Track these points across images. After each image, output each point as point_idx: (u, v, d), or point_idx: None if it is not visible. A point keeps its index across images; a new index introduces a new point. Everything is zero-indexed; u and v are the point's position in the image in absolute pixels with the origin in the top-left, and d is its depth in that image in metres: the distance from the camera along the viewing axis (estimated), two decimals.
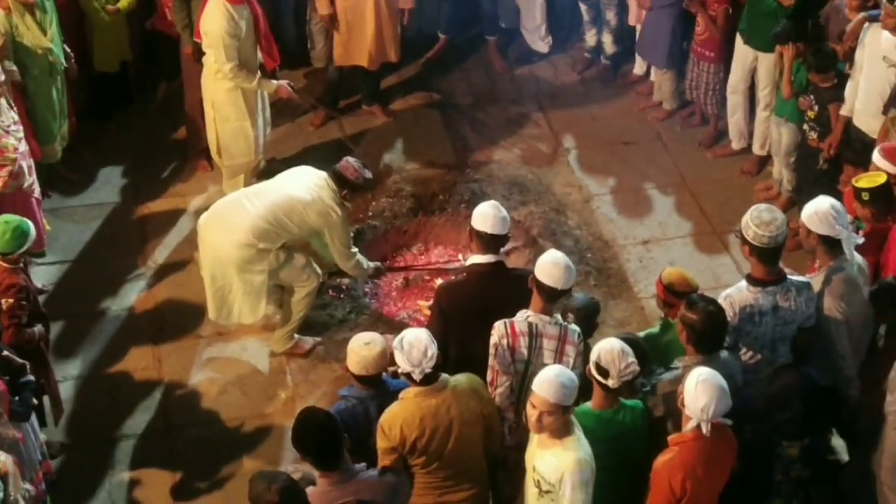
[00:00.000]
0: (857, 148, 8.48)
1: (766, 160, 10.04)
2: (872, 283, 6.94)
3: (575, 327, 6.52)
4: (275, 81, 9.34)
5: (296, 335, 8.54)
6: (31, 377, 6.90)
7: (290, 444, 6.02)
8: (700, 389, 5.71)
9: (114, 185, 10.01)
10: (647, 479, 5.97)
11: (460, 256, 9.31)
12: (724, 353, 6.34)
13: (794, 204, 9.25)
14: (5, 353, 6.86)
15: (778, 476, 6.54)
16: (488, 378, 6.48)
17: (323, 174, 8.15)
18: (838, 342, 6.64)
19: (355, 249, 8.41)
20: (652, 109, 10.86)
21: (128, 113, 10.64)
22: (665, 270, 7.06)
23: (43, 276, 8.98)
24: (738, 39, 9.69)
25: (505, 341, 6.39)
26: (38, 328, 7.39)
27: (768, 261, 6.52)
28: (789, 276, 6.60)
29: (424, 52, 11.40)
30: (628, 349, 6.03)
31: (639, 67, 11.16)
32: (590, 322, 7.05)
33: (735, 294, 6.57)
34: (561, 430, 5.78)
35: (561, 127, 10.73)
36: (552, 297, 6.40)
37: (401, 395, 6.18)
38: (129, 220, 9.68)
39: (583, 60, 11.37)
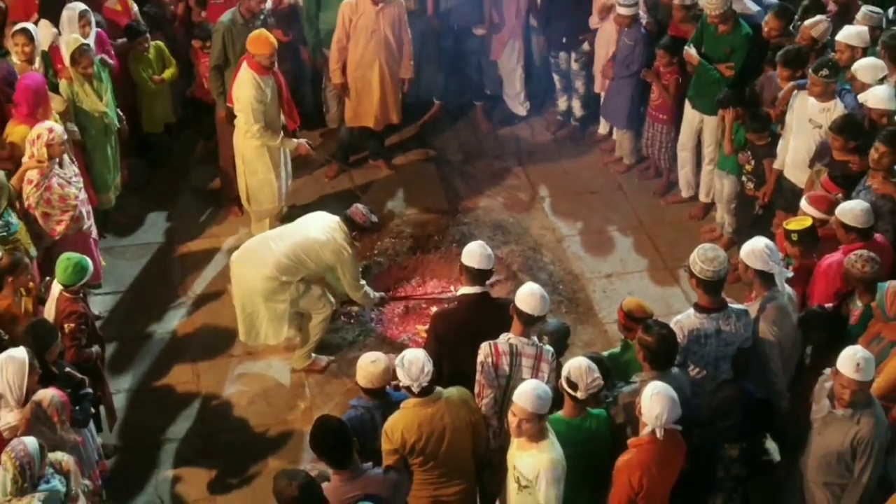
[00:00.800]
0: (787, 196, 8.51)
1: (710, 206, 10.03)
2: (800, 310, 6.96)
3: (549, 348, 6.53)
4: (295, 140, 9.40)
5: (313, 354, 8.55)
6: (90, 390, 6.92)
7: (309, 446, 6.04)
8: (654, 400, 5.75)
9: (159, 227, 10.01)
10: (610, 477, 6.00)
11: (452, 288, 9.30)
12: (675, 370, 6.35)
13: (734, 243, 9.23)
14: (68, 369, 6.88)
15: (720, 474, 6.54)
16: (476, 391, 6.49)
17: (336, 218, 8.17)
18: (771, 361, 6.66)
19: (363, 282, 8.41)
20: (614, 164, 10.83)
21: (171, 167, 10.68)
22: (625, 300, 7.08)
23: (99, 304, 8.99)
24: (687, 104, 9.71)
25: (490, 359, 6.41)
26: (96, 349, 7.42)
27: (712, 291, 6.55)
28: (730, 305, 6.62)
29: (422, 115, 11.38)
30: (594, 366, 6.07)
31: (603, 128, 11.14)
32: (561, 343, 7.08)
33: (684, 320, 6.59)
34: (537, 435, 5.81)
35: (537, 178, 10.72)
36: (530, 323, 6.43)
37: (402, 405, 6.19)
38: (171, 258, 9.68)
39: (555, 122, 11.35)
